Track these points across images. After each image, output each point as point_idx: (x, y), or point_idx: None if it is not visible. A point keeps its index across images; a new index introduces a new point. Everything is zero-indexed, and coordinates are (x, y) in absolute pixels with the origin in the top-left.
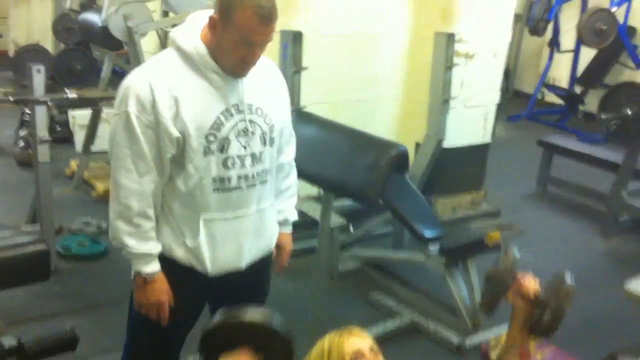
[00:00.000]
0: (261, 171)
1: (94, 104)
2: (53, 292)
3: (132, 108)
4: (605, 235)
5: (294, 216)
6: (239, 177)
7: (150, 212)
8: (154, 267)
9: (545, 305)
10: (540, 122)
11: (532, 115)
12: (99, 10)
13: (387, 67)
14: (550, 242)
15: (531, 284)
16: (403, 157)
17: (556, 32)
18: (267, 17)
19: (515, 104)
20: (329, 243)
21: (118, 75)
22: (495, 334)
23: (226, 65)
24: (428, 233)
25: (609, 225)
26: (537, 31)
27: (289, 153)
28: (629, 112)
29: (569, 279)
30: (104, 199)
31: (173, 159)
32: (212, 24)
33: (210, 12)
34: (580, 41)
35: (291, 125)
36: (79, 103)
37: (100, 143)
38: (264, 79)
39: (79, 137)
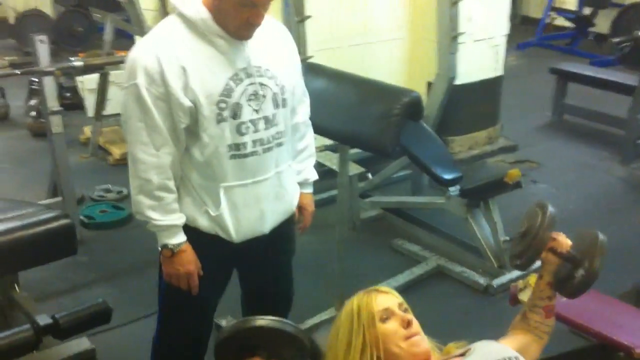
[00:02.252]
0: (276, 134)
1: (101, 69)
2: (80, 263)
3: (141, 80)
4: (624, 160)
5: (313, 176)
6: (254, 142)
7: (171, 184)
8: (180, 238)
9: (577, 264)
10: (551, 48)
11: (542, 41)
12: None
13: (390, 7)
14: (569, 172)
15: (565, 240)
16: (416, 103)
17: None
18: None
19: (524, 30)
20: (349, 193)
21: (121, 36)
22: (523, 275)
23: (231, 29)
24: (447, 175)
25: (627, 150)
26: None
27: (303, 113)
28: None
29: (601, 237)
30: (121, 163)
31: (187, 129)
32: None
33: None
34: None
35: (303, 84)
36: (86, 70)
37: (112, 107)
38: (270, 40)
39: (90, 102)
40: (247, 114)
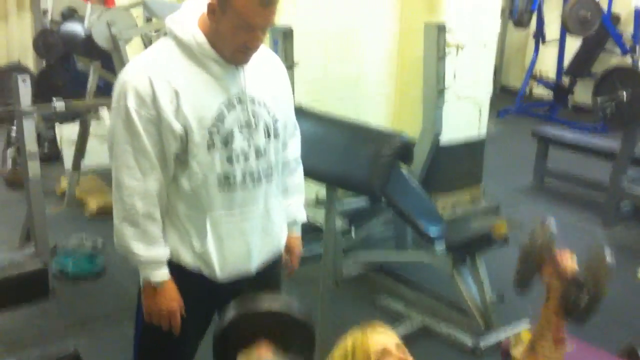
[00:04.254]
0: (266, 166)
1: (83, 115)
2: (51, 313)
3: (132, 102)
4: (607, 224)
5: (302, 217)
6: (244, 174)
7: (157, 213)
8: (164, 273)
9: (582, 286)
10: (530, 116)
11: (521, 109)
12: (81, 19)
13: (375, 62)
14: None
15: (569, 261)
16: (406, 146)
17: (540, 23)
18: None
19: (503, 99)
20: (334, 244)
21: (103, 89)
22: (509, 333)
23: (227, 53)
24: (433, 231)
25: (610, 214)
26: (521, 23)
27: (294, 148)
28: (624, 96)
29: (608, 256)
30: (98, 216)
31: (176, 156)
32: (211, 9)
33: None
34: (565, 31)
35: (295, 118)
36: (67, 114)
37: (91, 158)
38: (266, 70)
39: (68, 154)
40: (238, 142)
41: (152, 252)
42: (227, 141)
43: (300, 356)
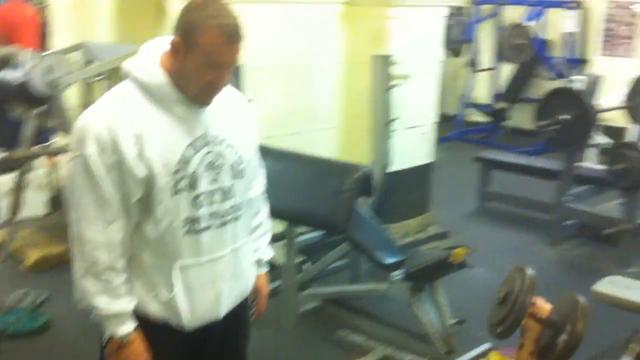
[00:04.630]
0: (232, 206)
1: (20, 165)
2: None
3: (91, 150)
4: (554, 243)
5: (268, 255)
6: (210, 215)
7: (120, 264)
8: (129, 326)
9: (560, 328)
10: (469, 142)
11: (460, 135)
12: (15, 66)
13: (324, 96)
14: (502, 256)
15: (544, 305)
16: (367, 178)
17: (474, 51)
18: (234, 36)
19: (442, 126)
20: (295, 283)
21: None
22: (472, 356)
23: (191, 93)
24: (389, 259)
25: (556, 233)
26: (455, 52)
27: (258, 187)
28: (565, 117)
29: (582, 300)
30: (36, 268)
31: (139, 203)
32: (175, 48)
33: (166, 39)
34: (500, 58)
35: (258, 157)
36: (4, 165)
37: (28, 209)
38: (229, 108)
39: (3, 206)
40: (204, 184)
41: (117, 305)
42: (193, 184)
43: None
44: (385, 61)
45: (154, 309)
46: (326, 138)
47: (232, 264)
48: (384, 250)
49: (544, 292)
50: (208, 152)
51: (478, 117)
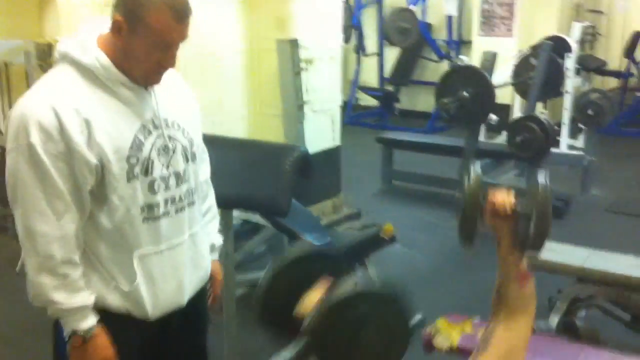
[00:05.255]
0: (187, 191)
1: None
2: None
3: (35, 139)
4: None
5: (219, 241)
6: (166, 201)
7: (76, 257)
8: (91, 320)
9: (527, 217)
10: (362, 126)
11: (353, 120)
12: None
13: (233, 83)
14: (413, 233)
15: (504, 198)
16: (305, 159)
17: (360, 36)
18: (183, 12)
19: None
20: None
21: None
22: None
23: (138, 74)
24: (318, 241)
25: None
26: (345, 38)
27: (204, 171)
28: (466, 94)
29: (542, 178)
30: None
31: (91, 192)
32: (117, 27)
33: (103, 19)
34: (385, 41)
35: (202, 140)
36: None
37: None
38: (174, 91)
39: None
40: (157, 170)
41: (76, 299)
42: (147, 169)
43: None
44: (291, 45)
45: (115, 301)
46: (240, 125)
47: (190, 250)
48: (312, 232)
49: (460, 265)
50: (159, 136)
51: (367, 102)
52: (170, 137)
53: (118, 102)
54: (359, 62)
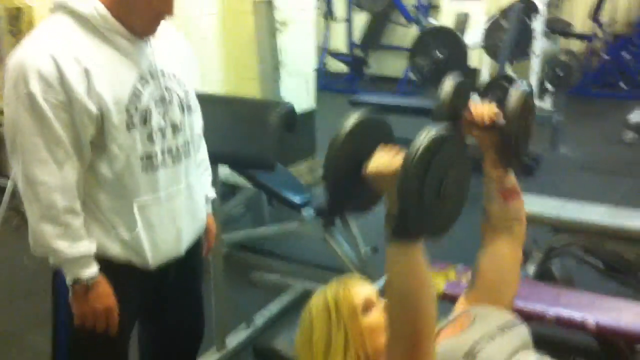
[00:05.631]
0: (183, 142)
1: None
2: None
3: (35, 87)
4: None
5: (212, 193)
6: (163, 152)
7: (77, 206)
8: (93, 269)
9: (509, 129)
10: (331, 91)
11: (322, 86)
12: None
13: (206, 48)
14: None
15: (484, 109)
16: (291, 113)
17: (329, 2)
18: None
19: None
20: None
21: None
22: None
23: (137, 23)
24: (299, 199)
25: None
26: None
27: (199, 123)
28: (440, 55)
29: (522, 86)
30: None
31: (92, 141)
32: None
33: None
34: (354, 7)
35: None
36: None
37: None
38: (169, 42)
39: None
40: (155, 120)
41: (78, 248)
42: (146, 119)
43: None
44: (268, 6)
45: (115, 250)
46: (211, 90)
47: (187, 200)
48: (292, 190)
49: None
50: (156, 86)
51: (337, 67)
52: (167, 88)
53: (116, 52)
54: (327, 28)
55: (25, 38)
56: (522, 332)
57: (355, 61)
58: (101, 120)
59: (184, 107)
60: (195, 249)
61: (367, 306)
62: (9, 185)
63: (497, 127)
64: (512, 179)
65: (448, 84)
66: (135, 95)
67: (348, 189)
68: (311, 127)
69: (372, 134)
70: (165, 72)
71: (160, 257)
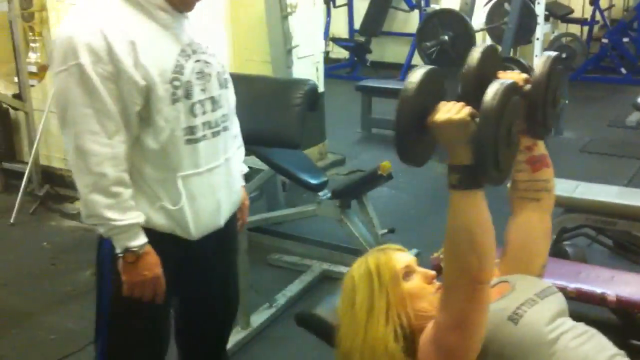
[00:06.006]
0: (222, 116)
1: None
2: None
3: (85, 59)
4: (441, 158)
5: (245, 168)
6: (204, 125)
7: (127, 177)
8: (143, 238)
9: (536, 94)
10: (334, 77)
11: (325, 72)
12: None
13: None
14: (398, 175)
15: (512, 75)
16: (315, 92)
17: None
18: None
19: None
20: None
21: None
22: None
23: None
24: (315, 180)
25: (442, 149)
26: None
27: (233, 98)
28: (446, 38)
29: (548, 55)
30: None
31: (138, 113)
32: None
33: None
34: None
35: None
36: None
37: None
38: (204, 18)
39: None
40: (196, 93)
41: (129, 218)
42: (188, 93)
43: None
44: None
45: (161, 221)
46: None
47: (226, 173)
48: (308, 172)
49: (441, 201)
50: (197, 61)
51: (338, 54)
52: (206, 63)
53: (158, 26)
54: (329, 14)
55: (71, 12)
56: (560, 299)
57: (357, 47)
58: (147, 93)
59: (222, 82)
60: (232, 222)
61: (408, 272)
62: (27, 170)
63: (525, 93)
64: (541, 148)
65: (476, 51)
66: (179, 68)
67: (413, 138)
68: (321, 112)
69: (436, 89)
70: (204, 47)
71: (202, 228)
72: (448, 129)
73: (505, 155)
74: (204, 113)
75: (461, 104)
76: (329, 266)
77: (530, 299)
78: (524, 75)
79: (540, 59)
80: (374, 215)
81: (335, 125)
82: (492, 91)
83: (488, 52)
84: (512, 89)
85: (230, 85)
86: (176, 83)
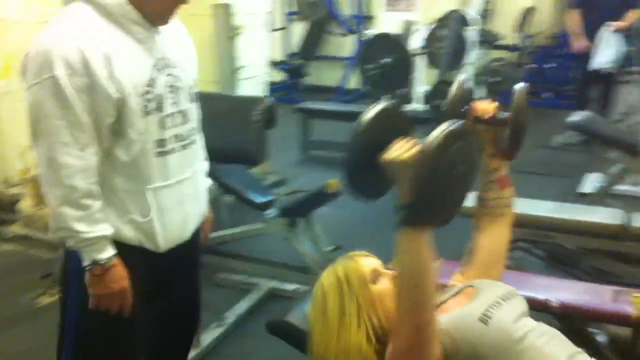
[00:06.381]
0: (190, 129)
1: None
2: None
3: (60, 71)
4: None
5: (209, 181)
6: (174, 138)
7: (97, 189)
8: (110, 251)
9: (505, 122)
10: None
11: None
12: None
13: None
14: (343, 195)
15: (484, 106)
16: (273, 109)
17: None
18: None
19: None
20: None
21: None
22: None
23: (155, 11)
24: (262, 199)
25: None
26: None
27: (199, 113)
28: (388, 61)
29: (520, 88)
30: None
31: (110, 126)
32: None
33: None
34: (291, 17)
35: None
36: None
37: None
38: (176, 32)
39: None
40: (167, 107)
41: (97, 230)
42: (160, 106)
43: None
44: (226, 10)
45: (129, 233)
46: None
47: (193, 186)
48: (255, 190)
49: (382, 219)
50: (169, 75)
51: (274, 77)
52: (177, 77)
53: (132, 40)
54: (265, 38)
55: (47, 25)
56: (522, 301)
57: (292, 71)
58: (120, 105)
59: (191, 96)
60: (197, 235)
61: (375, 275)
62: None
63: (498, 121)
64: (506, 168)
65: (455, 85)
66: (151, 82)
67: (365, 174)
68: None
69: (391, 125)
70: (175, 61)
71: (170, 240)
72: (393, 167)
73: (447, 197)
74: (174, 126)
75: (412, 142)
76: (277, 284)
77: (496, 302)
78: (495, 104)
79: (518, 89)
80: (321, 232)
81: (275, 146)
82: (433, 136)
83: (462, 86)
84: (456, 134)
85: (197, 100)
86: (149, 96)
